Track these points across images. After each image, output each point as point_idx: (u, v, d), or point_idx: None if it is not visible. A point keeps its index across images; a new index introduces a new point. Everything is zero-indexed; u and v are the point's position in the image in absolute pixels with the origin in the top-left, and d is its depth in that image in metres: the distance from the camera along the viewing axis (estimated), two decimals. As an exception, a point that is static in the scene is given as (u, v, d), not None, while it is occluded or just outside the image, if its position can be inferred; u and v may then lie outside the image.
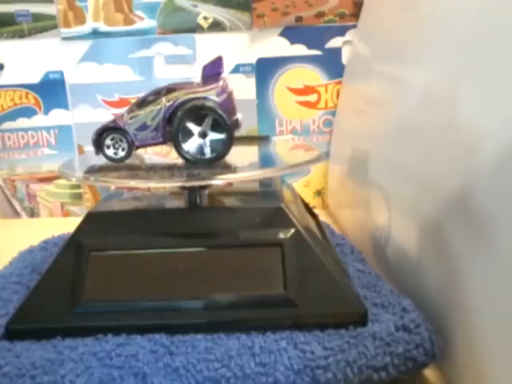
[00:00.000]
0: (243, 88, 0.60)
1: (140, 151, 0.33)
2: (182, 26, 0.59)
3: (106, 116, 0.60)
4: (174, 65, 0.59)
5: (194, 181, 0.30)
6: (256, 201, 0.35)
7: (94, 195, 0.64)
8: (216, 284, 0.28)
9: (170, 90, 0.31)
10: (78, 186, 0.63)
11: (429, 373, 0.28)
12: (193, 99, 0.30)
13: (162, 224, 0.30)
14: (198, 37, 0.59)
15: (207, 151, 0.29)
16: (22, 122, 0.61)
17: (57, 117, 0.61)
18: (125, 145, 0.31)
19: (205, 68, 0.31)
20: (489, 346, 0.24)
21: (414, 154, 0.34)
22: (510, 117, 0.24)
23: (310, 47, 0.60)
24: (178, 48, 0.59)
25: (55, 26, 0.59)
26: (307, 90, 0.61)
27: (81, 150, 0.61)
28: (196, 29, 0.59)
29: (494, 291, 0.23)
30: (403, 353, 0.26)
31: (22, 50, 0.59)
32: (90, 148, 0.32)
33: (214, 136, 0.29)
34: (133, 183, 0.29)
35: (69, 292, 0.28)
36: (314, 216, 0.40)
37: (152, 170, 0.31)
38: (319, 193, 0.64)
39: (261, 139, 0.38)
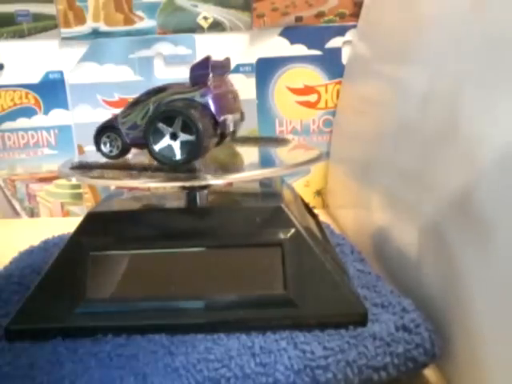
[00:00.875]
0: (243, 88, 0.60)
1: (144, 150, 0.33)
2: (182, 25, 0.59)
3: (105, 116, 0.59)
4: (174, 65, 0.59)
5: (194, 181, 0.30)
6: (256, 201, 0.35)
7: (94, 195, 0.64)
8: (216, 284, 0.28)
9: (159, 90, 0.31)
10: (78, 186, 0.63)
11: (429, 373, 0.28)
12: (174, 100, 0.30)
13: (162, 224, 0.30)
14: (198, 37, 0.59)
15: (177, 153, 0.29)
16: (22, 122, 0.61)
17: (57, 117, 0.61)
18: (119, 143, 0.31)
19: (192, 69, 0.31)
20: (489, 346, 0.24)
21: (414, 154, 0.34)
22: (510, 117, 0.24)
23: (310, 47, 0.60)
24: (177, 48, 0.59)
25: (55, 26, 0.59)
26: (307, 90, 0.61)
27: (81, 150, 0.61)
28: (196, 29, 0.59)
29: (494, 291, 0.23)
30: (403, 353, 0.26)
31: (22, 50, 0.59)
32: (89, 148, 0.32)
33: (184, 138, 0.28)
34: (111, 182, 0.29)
35: (69, 292, 0.28)
36: (314, 216, 0.40)
37: (136, 170, 0.31)
38: (319, 193, 0.64)
39: (278, 141, 0.38)
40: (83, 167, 0.31)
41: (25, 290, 0.32)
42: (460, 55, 0.30)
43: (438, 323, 0.27)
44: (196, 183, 0.31)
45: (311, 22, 0.59)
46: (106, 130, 0.31)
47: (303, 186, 0.64)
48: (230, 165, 0.35)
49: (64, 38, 0.59)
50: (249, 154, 0.37)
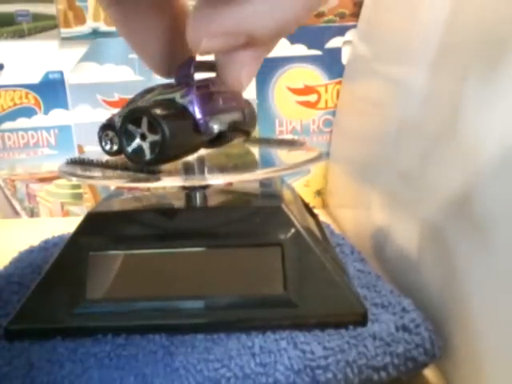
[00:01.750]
0: (243, 88, 0.60)
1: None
2: (182, 25, 0.59)
3: (105, 116, 0.59)
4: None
5: (194, 181, 0.30)
6: (256, 201, 0.35)
7: (94, 195, 0.64)
8: (216, 284, 0.28)
9: (149, 90, 0.31)
10: (78, 186, 0.63)
11: (429, 373, 0.28)
12: (157, 101, 0.30)
13: (162, 224, 0.30)
14: (198, 37, 0.59)
15: (147, 153, 0.29)
16: (22, 122, 0.61)
17: (57, 117, 0.61)
18: (116, 140, 0.31)
19: (177, 69, 0.31)
20: (489, 346, 0.24)
21: (414, 154, 0.34)
22: (510, 117, 0.24)
23: (310, 47, 0.60)
24: (177, 48, 0.59)
25: (55, 26, 0.59)
26: (307, 90, 0.61)
27: (81, 150, 0.61)
28: (196, 29, 0.59)
29: (494, 291, 0.23)
30: (403, 353, 0.26)
31: (22, 50, 0.59)
32: (89, 148, 0.32)
33: (151, 138, 0.28)
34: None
35: (69, 292, 0.28)
36: (314, 216, 0.40)
37: (111, 169, 0.31)
38: (319, 193, 0.64)
39: (292, 143, 0.37)
40: (77, 162, 0.31)
41: (25, 290, 0.32)
42: (460, 55, 0.30)
43: (437, 323, 0.27)
44: (196, 183, 0.31)
45: (311, 22, 0.59)
46: (105, 128, 0.32)
47: (303, 186, 0.64)
48: (231, 165, 0.35)
49: (64, 38, 0.59)
50: (252, 154, 0.37)
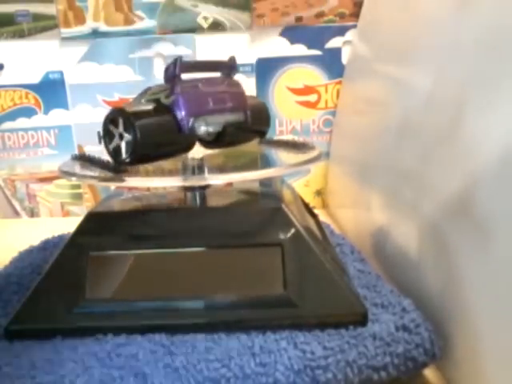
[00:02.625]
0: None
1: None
2: (182, 26, 0.59)
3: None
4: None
5: (194, 181, 0.30)
6: (256, 201, 0.35)
7: (94, 195, 0.64)
8: (216, 284, 0.28)
9: (146, 90, 0.31)
10: (78, 186, 0.63)
11: (429, 373, 0.28)
12: (147, 101, 0.30)
13: (162, 224, 0.30)
14: (198, 37, 0.59)
15: (123, 152, 0.29)
16: (22, 122, 0.61)
17: (57, 117, 0.61)
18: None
19: (165, 69, 0.31)
20: (488, 346, 0.24)
21: (414, 154, 0.34)
22: (510, 117, 0.24)
23: (310, 47, 0.60)
24: (177, 48, 0.59)
25: (55, 26, 0.59)
26: (307, 90, 0.61)
27: (81, 150, 0.61)
28: (196, 29, 0.59)
29: (494, 291, 0.23)
30: (403, 353, 0.26)
31: (22, 50, 0.59)
32: (89, 148, 0.32)
33: (127, 138, 0.29)
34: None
35: (69, 292, 0.28)
36: (314, 216, 0.40)
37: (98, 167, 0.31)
38: (319, 193, 0.64)
39: (303, 147, 0.36)
40: (81, 159, 0.32)
41: (25, 290, 0.32)
42: (460, 55, 0.30)
43: (437, 323, 0.27)
44: (196, 183, 0.31)
45: (311, 22, 0.59)
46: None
47: (303, 186, 0.64)
48: (231, 165, 0.35)
49: (64, 38, 0.59)
50: (253, 154, 0.37)
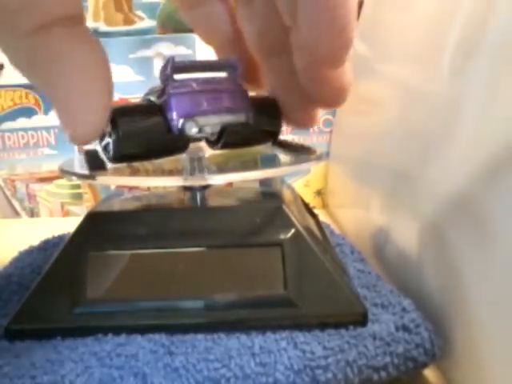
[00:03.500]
0: (243, 88, 0.60)
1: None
2: (182, 25, 0.59)
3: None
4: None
5: (194, 181, 0.30)
6: (256, 201, 0.35)
7: (94, 195, 0.64)
8: (216, 284, 0.28)
9: (149, 91, 0.31)
10: (78, 186, 0.63)
11: (429, 373, 0.28)
12: (142, 100, 0.31)
13: (162, 224, 0.30)
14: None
15: (110, 150, 0.29)
16: (22, 122, 0.61)
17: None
18: None
19: (160, 69, 0.31)
20: (489, 346, 0.24)
21: (414, 154, 0.34)
22: (510, 117, 0.24)
23: (310, 47, 0.59)
24: (177, 48, 0.59)
25: (55, 26, 0.58)
26: (307, 90, 0.61)
27: (81, 150, 0.61)
28: (196, 29, 0.59)
29: (494, 291, 0.23)
30: (403, 353, 0.26)
31: (22, 50, 0.59)
32: (90, 148, 0.32)
33: (113, 136, 0.28)
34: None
35: (69, 292, 0.28)
36: (314, 216, 0.40)
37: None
38: (319, 193, 0.64)
39: (305, 151, 0.34)
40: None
41: (25, 290, 0.32)
42: (460, 55, 0.30)
43: (438, 323, 0.27)
44: (196, 183, 0.31)
45: (311, 22, 0.59)
46: None
47: (303, 186, 0.64)
48: (231, 165, 0.35)
49: (64, 38, 0.59)
50: (253, 154, 0.37)
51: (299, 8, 0.22)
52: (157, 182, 0.31)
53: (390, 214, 0.38)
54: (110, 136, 0.28)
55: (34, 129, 0.61)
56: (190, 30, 0.59)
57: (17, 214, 0.64)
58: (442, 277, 0.29)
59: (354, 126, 0.54)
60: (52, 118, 0.60)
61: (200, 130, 0.30)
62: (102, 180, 0.29)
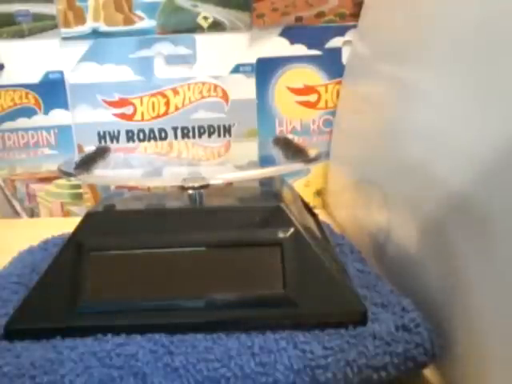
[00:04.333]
0: (243, 88, 0.60)
1: (141, 149, 0.33)
2: (182, 26, 0.59)
3: (106, 116, 0.60)
4: (174, 65, 0.59)
5: (193, 181, 0.30)
6: (256, 200, 0.35)
7: (94, 195, 0.64)
8: (216, 284, 0.28)
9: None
10: (78, 186, 0.63)
11: (429, 373, 0.28)
12: None
13: (162, 224, 0.30)
14: (198, 37, 0.59)
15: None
16: (22, 122, 0.61)
17: (57, 117, 0.61)
18: None
19: None
20: (489, 346, 0.24)
21: (414, 153, 0.34)
22: (510, 117, 0.24)
23: (310, 47, 0.60)
24: (177, 48, 0.59)
25: (55, 26, 0.58)
26: (307, 89, 0.61)
27: (81, 150, 0.61)
28: (196, 29, 0.59)
29: (495, 291, 0.23)
30: (403, 352, 0.26)
31: (22, 50, 0.59)
32: (90, 148, 0.32)
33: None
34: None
35: (68, 292, 0.28)
36: (314, 216, 0.40)
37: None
38: (319, 193, 0.64)
39: (304, 151, 0.34)
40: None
41: (24, 290, 0.32)
42: (460, 54, 0.30)
43: (438, 323, 0.27)
44: (196, 183, 0.31)
45: (311, 22, 0.59)
46: None
47: (303, 186, 0.64)
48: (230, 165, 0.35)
49: (64, 38, 0.59)
50: (249, 153, 0.37)
51: None
52: (157, 182, 0.31)
53: (390, 214, 0.38)
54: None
55: (34, 129, 0.61)
56: (190, 30, 0.59)
57: (17, 213, 0.64)
58: (442, 277, 0.29)
59: (354, 125, 0.54)
60: (52, 118, 0.60)
61: None
62: (101, 180, 0.29)
